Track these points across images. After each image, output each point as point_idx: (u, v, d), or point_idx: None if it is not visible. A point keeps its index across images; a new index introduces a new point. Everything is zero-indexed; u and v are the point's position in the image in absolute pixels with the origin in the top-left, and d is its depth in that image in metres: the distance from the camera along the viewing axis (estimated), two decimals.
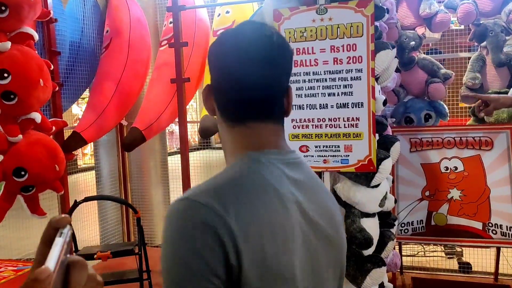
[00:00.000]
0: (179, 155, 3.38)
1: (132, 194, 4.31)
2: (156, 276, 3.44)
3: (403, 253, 3.47)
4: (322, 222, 0.81)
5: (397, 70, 3.33)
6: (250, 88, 0.80)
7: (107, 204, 4.16)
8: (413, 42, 3.22)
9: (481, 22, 3.18)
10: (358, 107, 2.00)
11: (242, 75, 0.80)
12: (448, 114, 3.24)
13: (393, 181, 2.99)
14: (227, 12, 3.43)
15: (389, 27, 3.21)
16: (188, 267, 0.65)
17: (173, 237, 0.68)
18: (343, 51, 2.00)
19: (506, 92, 2.96)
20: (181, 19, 3.00)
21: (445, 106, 3.25)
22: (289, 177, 0.78)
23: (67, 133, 3.14)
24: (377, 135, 2.36)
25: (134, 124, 3.29)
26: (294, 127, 2.09)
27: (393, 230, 2.35)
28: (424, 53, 4.51)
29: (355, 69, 1.99)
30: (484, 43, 3.16)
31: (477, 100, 2.45)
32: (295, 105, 2.08)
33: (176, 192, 4.76)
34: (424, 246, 3.73)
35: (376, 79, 2.28)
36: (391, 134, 3.07)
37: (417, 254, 3.70)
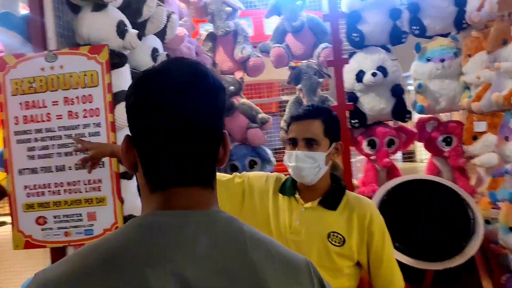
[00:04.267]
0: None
1: None
2: None
3: None
4: None
5: None
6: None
7: None
8: (232, 87, 3.08)
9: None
10: (99, 167, 1.71)
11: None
12: (271, 159, 3.09)
13: None
14: None
15: None
16: None
17: None
18: (78, 103, 1.72)
19: None
20: None
21: (268, 151, 3.11)
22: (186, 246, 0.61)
23: None
24: None
25: None
26: (28, 195, 1.73)
27: None
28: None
29: (93, 123, 1.71)
30: (299, 85, 3.11)
31: None
32: (28, 169, 1.74)
33: None
34: None
35: None
36: None
37: None
